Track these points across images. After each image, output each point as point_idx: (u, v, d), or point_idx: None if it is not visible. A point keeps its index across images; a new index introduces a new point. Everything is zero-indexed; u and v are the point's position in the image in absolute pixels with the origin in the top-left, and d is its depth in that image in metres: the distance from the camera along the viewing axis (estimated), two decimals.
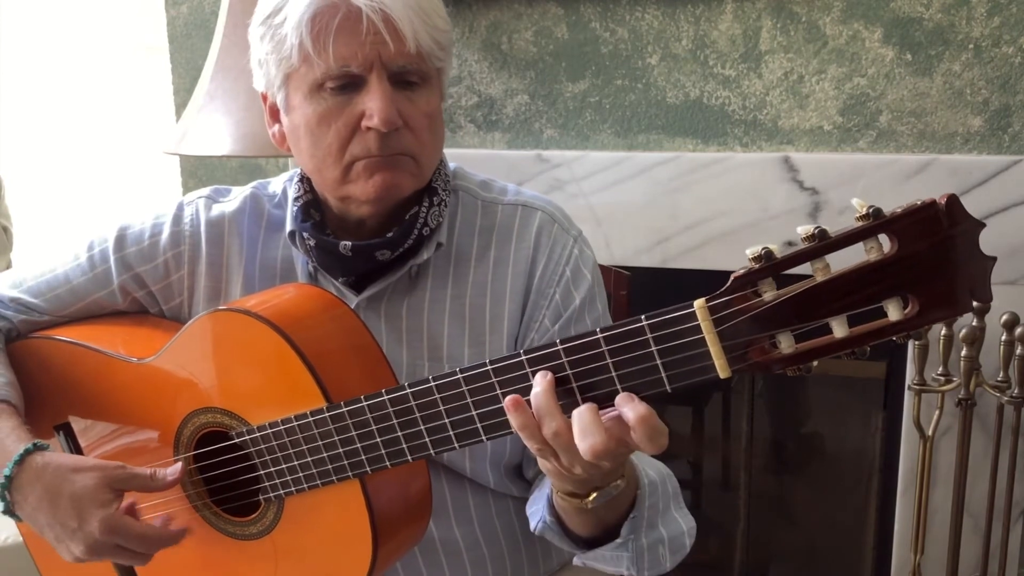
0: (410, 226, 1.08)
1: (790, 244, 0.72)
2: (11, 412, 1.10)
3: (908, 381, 1.77)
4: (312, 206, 1.13)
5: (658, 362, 0.78)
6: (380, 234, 1.09)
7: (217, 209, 1.19)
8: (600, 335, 0.80)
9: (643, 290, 1.66)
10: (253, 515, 1.05)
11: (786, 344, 0.74)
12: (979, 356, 1.69)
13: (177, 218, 1.19)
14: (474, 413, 0.87)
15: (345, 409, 0.94)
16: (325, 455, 0.97)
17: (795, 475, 2.30)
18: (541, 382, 0.82)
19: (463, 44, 2.02)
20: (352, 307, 1.06)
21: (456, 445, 0.90)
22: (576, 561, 1.02)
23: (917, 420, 1.77)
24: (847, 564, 2.22)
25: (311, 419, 0.96)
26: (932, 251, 0.69)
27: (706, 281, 0.79)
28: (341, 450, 0.96)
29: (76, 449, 1.15)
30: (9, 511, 1.04)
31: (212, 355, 1.05)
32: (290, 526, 1.03)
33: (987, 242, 0.70)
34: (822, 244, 0.70)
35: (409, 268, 1.11)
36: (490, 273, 1.12)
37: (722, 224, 1.86)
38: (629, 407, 0.78)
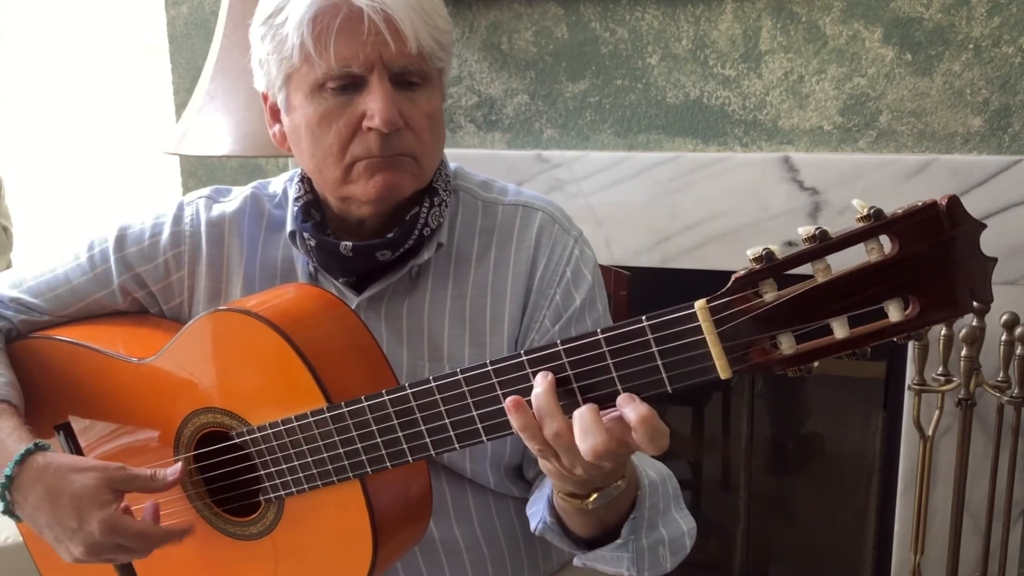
0: (411, 226, 1.08)
1: (790, 244, 0.72)
2: (11, 412, 1.10)
3: (908, 381, 1.77)
4: (313, 206, 1.13)
5: (659, 363, 0.78)
6: (381, 234, 1.09)
7: (217, 209, 1.19)
8: (601, 335, 0.80)
9: (643, 290, 1.66)
10: (253, 515, 1.05)
11: (787, 345, 0.74)
12: (979, 356, 1.69)
13: (177, 218, 1.19)
14: (475, 414, 0.87)
15: (345, 409, 0.94)
16: (325, 455, 0.97)
17: (795, 475, 2.30)
18: (542, 383, 0.82)
19: (463, 44, 2.02)
20: (352, 307, 1.06)
21: (457, 446, 0.90)
22: (576, 561, 1.02)
23: (917, 420, 1.77)
24: (847, 564, 2.21)
25: (311, 419, 0.96)
26: (933, 252, 0.69)
27: (706, 281, 0.79)
28: (341, 450, 0.96)
29: (76, 449, 1.15)
30: (9, 511, 1.04)
31: (212, 355, 1.05)
32: (290, 526, 1.03)
33: (987, 242, 0.70)
34: (823, 245, 0.70)
35: (410, 268, 1.11)
36: (491, 273, 1.12)
37: (722, 224, 1.86)
38: (630, 408, 0.78)
